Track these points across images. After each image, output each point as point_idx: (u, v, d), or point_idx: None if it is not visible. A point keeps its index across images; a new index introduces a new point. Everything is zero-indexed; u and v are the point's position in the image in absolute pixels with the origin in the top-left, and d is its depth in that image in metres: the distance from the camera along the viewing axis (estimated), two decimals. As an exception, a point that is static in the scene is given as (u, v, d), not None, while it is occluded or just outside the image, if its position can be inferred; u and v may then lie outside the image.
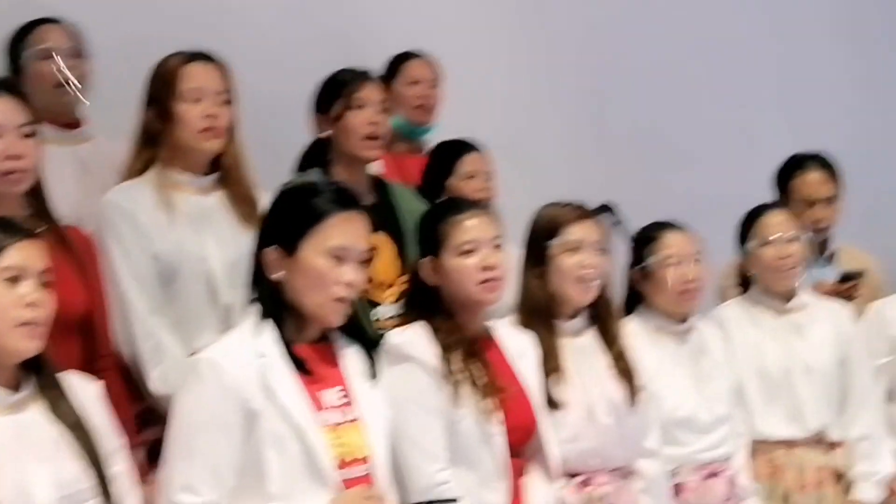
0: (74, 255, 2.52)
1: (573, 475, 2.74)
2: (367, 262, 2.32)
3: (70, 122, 3.25)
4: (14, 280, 2.01)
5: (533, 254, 2.85)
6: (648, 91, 5.07)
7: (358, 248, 2.28)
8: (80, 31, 3.28)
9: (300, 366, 2.23)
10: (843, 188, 3.89)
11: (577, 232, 2.83)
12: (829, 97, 5.94)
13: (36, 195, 2.50)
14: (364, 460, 2.26)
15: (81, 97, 3.21)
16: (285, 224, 2.28)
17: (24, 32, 3.23)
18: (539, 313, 2.81)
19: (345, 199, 2.32)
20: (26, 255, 2.03)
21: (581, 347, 2.85)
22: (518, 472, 2.56)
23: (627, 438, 2.84)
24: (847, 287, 3.65)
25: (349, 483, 2.22)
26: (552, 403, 2.71)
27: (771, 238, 3.33)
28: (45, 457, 2.00)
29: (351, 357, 2.36)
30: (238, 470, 2.14)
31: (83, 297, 2.52)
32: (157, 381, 2.69)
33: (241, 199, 2.81)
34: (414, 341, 2.51)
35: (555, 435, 2.65)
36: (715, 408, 3.11)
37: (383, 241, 3.08)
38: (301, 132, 3.32)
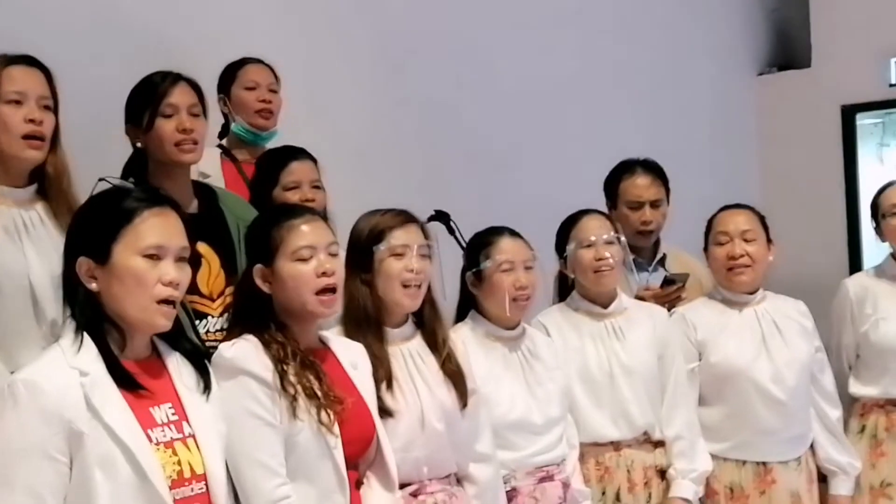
0: None
1: (404, 485, 2.71)
2: (185, 260, 2.24)
3: None
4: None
5: (358, 261, 2.80)
6: (476, 98, 5.10)
7: (174, 245, 2.21)
8: None
9: (127, 382, 2.14)
10: (669, 192, 3.98)
11: (402, 237, 2.80)
12: (651, 104, 6.11)
13: None
14: (200, 477, 2.18)
15: None
16: (94, 231, 2.19)
17: None
18: (367, 321, 2.77)
19: (154, 196, 2.24)
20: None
21: (410, 353, 2.83)
22: (356, 485, 2.50)
23: (459, 444, 2.83)
24: (670, 291, 3.72)
25: (186, 501, 2.15)
26: (384, 412, 2.67)
27: (588, 241, 3.37)
28: None
29: (181, 371, 2.28)
30: (63, 496, 2.05)
31: None
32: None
33: (63, 211, 2.66)
34: (246, 355, 2.42)
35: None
36: (547, 410, 3.13)
37: (209, 252, 2.98)
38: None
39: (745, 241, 3.52)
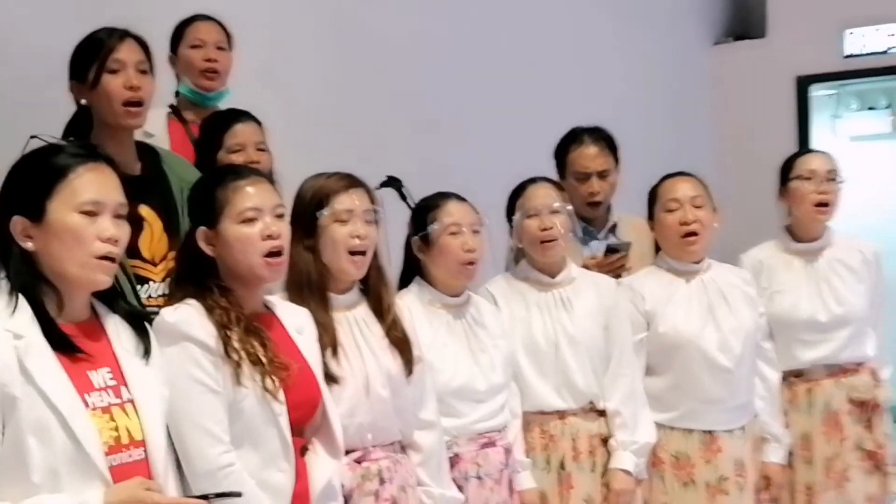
0: None
1: (348, 451, 2.69)
2: (123, 217, 2.19)
3: None
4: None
5: (302, 226, 2.75)
6: (423, 67, 5.06)
7: (112, 201, 2.16)
8: None
9: (63, 345, 2.09)
10: (618, 161, 3.95)
11: (346, 202, 2.76)
12: (605, 72, 6.09)
13: None
14: (139, 444, 2.14)
15: None
16: (27, 189, 2.13)
17: None
18: (310, 287, 2.73)
19: (88, 152, 2.19)
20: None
21: (356, 320, 2.79)
22: (301, 451, 2.47)
23: (404, 410, 2.81)
24: (613, 260, 3.70)
25: (125, 467, 2.11)
26: (330, 378, 2.64)
27: (534, 210, 3.35)
28: None
29: (120, 335, 2.23)
30: None
31: None
32: None
33: None
34: (189, 320, 2.38)
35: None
36: (490, 377, 3.12)
37: (151, 215, 2.92)
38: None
39: (695, 206, 3.51)
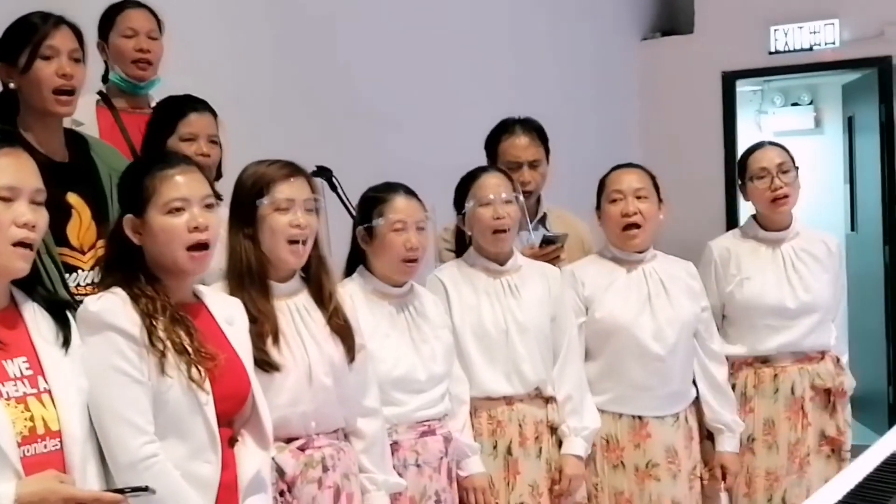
0: None
1: (291, 439, 2.68)
2: (42, 203, 2.15)
3: None
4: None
5: (241, 214, 2.72)
6: (358, 58, 5.04)
7: (28, 186, 2.12)
8: None
9: (-26, 334, 2.03)
10: (549, 153, 3.98)
11: (287, 190, 2.73)
12: (534, 66, 6.13)
13: None
14: (55, 434, 2.10)
15: None
16: None
17: None
18: (251, 276, 2.70)
19: (3, 136, 2.15)
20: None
21: (297, 308, 2.77)
22: (229, 443, 2.44)
23: (347, 398, 2.79)
24: (549, 251, 3.73)
25: (39, 458, 2.06)
26: (271, 366, 2.62)
27: (487, 199, 3.37)
28: None
29: (39, 324, 2.18)
30: None
31: None
32: None
33: None
34: (112, 309, 2.32)
35: (271, 400, 2.56)
36: (431, 367, 3.12)
37: (79, 203, 2.87)
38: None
39: (638, 198, 3.56)
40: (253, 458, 2.46)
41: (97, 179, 2.94)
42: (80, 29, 2.93)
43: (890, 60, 6.91)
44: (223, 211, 2.68)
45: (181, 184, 2.40)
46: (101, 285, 2.45)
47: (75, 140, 3.00)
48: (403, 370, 3.07)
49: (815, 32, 7.05)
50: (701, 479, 3.63)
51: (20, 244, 2.09)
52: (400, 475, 2.97)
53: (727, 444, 3.67)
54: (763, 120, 8.68)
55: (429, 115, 5.29)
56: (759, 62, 7.27)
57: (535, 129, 3.96)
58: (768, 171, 3.84)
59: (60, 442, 2.12)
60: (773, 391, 3.80)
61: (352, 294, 3.00)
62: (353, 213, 3.28)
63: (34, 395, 2.10)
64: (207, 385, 2.35)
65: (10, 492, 1.97)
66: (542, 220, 3.97)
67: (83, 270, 2.86)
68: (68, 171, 2.85)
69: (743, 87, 7.81)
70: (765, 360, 3.82)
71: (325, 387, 2.72)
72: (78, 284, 2.83)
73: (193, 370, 2.33)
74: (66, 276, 2.79)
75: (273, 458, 2.60)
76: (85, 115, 3.44)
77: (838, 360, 3.88)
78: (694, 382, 3.66)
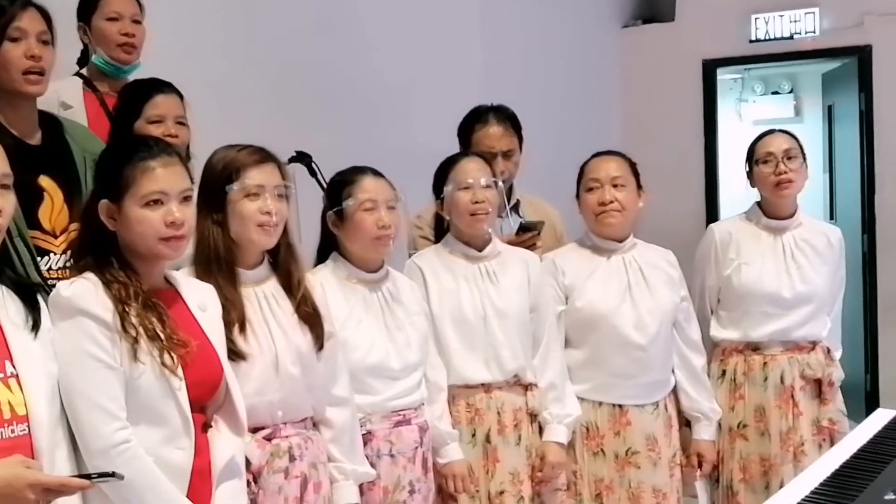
0: None
1: (258, 429, 2.65)
2: (8, 187, 2.13)
3: None
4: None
5: (210, 200, 2.68)
6: (341, 41, 5.01)
7: None
8: None
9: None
10: (522, 141, 3.96)
11: (257, 176, 2.69)
12: (515, 53, 6.10)
13: None
14: (22, 419, 2.08)
15: None
16: None
17: None
18: (219, 262, 2.67)
19: None
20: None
21: (265, 296, 2.74)
22: (203, 429, 2.42)
23: (315, 387, 2.77)
24: (525, 238, 3.72)
25: (6, 443, 2.05)
26: (237, 355, 2.59)
27: (465, 183, 3.36)
28: None
29: (7, 307, 2.16)
30: None
31: None
32: None
33: None
34: (84, 294, 2.30)
35: (240, 389, 2.52)
36: (406, 355, 3.10)
37: (52, 186, 2.84)
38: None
39: (615, 187, 3.54)
40: (227, 444, 2.45)
41: (71, 162, 2.91)
42: (49, 11, 2.90)
43: (870, 49, 6.92)
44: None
45: (160, 177, 2.36)
46: (74, 269, 2.42)
47: (50, 122, 2.97)
48: (377, 358, 3.04)
49: (795, 21, 7.06)
50: (681, 465, 3.63)
51: None
52: (373, 465, 2.95)
53: (704, 433, 3.67)
54: (743, 108, 8.69)
55: (408, 101, 5.26)
56: (739, 50, 7.27)
57: (508, 118, 3.94)
58: (774, 156, 3.86)
59: (28, 427, 2.10)
60: (763, 379, 3.80)
61: (324, 281, 2.97)
62: (325, 198, 3.25)
63: (1, 379, 2.07)
64: (180, 371, 2.33)
65: None
66: (516, 208, 3.96)
67: (55, 254, 2.83)
68: (41, 154, 2.82)
69: (723, 76, 7.82)
70: (755, 348, 3.83)
71: (291, 376, 2.69)
72: (50, 268, 2.81)
73: (166, 356, 2.31)
74: (39, 259, 2.77)
75: (239, 448, 2.58)
76: (73, 98, 3.42)
77: (829, 351, 3.88)
78: (673, 371, 3.66)
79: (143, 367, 2.29)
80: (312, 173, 3.74)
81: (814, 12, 6.99)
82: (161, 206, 2.35)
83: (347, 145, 4.40)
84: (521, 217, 3.90)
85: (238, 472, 2.49)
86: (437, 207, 3.48)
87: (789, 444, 3.77)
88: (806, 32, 7.05)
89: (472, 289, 3.35)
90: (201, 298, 2.51)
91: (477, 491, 3.28)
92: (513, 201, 3.96)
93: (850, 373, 7.28)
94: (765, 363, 3.81)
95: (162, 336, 2.33)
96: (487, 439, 3.30)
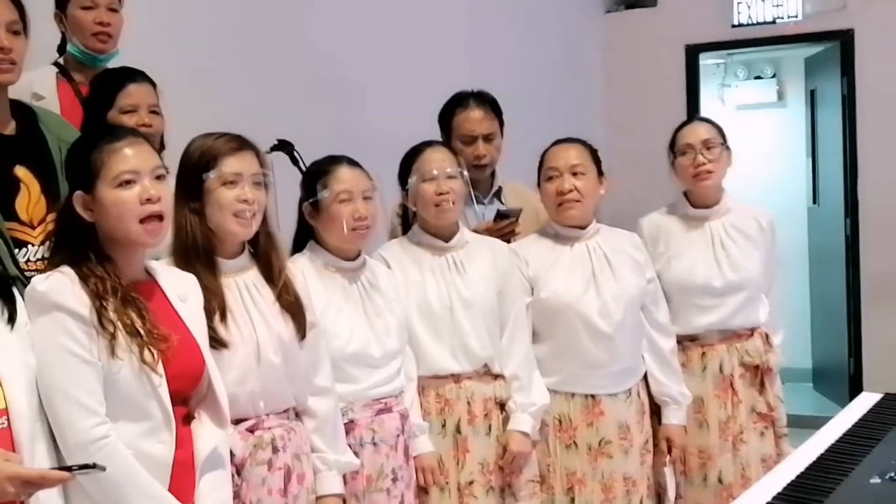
0: None
1: (240, 420, 2.63)
2: None
3: None
4: None
5: (187, 188, 2.65)
6: (315, 28, 4.98)
7: None
8: None
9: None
10: (503, 125, 3.94)
11: (235, 164, 2.67)
12: (497, 38, 6.07)
13: None
14: (2, 412, 2.06)
15: None
16: None
17: None
18: (197, 251, 2.64)
19: None
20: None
21: (245, 285, 2.71)
22: (185, 421, 2.40)
23: (297, 377, 2.75)
24: (503, 226, 3.70)
25: None
26: (219, 343, 2.57)
27: (430, 174, 3.32)
28: None
29: None
30: None
31: None
32: None
33: None
34: (60, 288, 2.27)
35: (222, 377, 2.50)
36: (385, 343, 3.08)
37: (28, 176, 2.81)
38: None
39: (574, 174, 3.51)
40: (210, 436, 2.42)
41: (46, 152, 2.88)
42: (20, 0, 2.85)
43: (852, 33, 6.92)
44: (172, 183, 2.62)
45: (130, 156, 2.34)
46: (50, 263, 2.39)
47: (23, 112, 2.94)
48: (358, 346, 3.03)
49: (778, 5, 7.05)
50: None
51: None
52: (356, 454, 2.93)
53: (673, 417, 3.63)
54: (726, 93, 8.67)
55: (390, 88, 5.23)
56: (722, 35, 7.26)
57: (488, 102, 3.93)
58: (692, 147, 3.80)
59: (7, 419, 2.08)
60: (702, 369, 3.76)
61: (303, 269, 2.95)
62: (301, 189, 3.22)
63: None
64: (160, 368, 2.31)
65: None
66: (497, 194, 3.94)
67: (33, 245, 2.81)
68: (16, 144, 2.80)
69: (706, 61, 7.80)
70: (693, 339, 3.78)
71: (273, 365, 2.67)
72: (28, 260, 2.79)
73: (146, 353, 2.29)
74: (16, 251, 2.73)
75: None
76: (46, 89, 3.38)
77: (767, 336, 3.84)
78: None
79: (120, 362, 2.27)
80: (294, 162, 3.71)
81: (796, -4, 6.98)
82: (134, 185, 2.33)
83: (331, 133, 4.37)
84: (502, 203, 3.89)
85: (221, 463, 2.47)
86: (402, 198, 3.45)
87: (728, 433, 3.73)
88: (788, 17, 7.04)
89: (438, 280, 3.32)
90: (182, 289, 2.48)
91: (447, 483, 3.25)
92: (495, 187, 3.94)
93: (833, 357, 7.37)
94: (703, 353, 3.76)
95: (142, 332, 2.30)
96: (458, 429, 3.27)
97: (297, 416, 2.80)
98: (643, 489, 3.55)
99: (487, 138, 3.87)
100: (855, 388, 6.62)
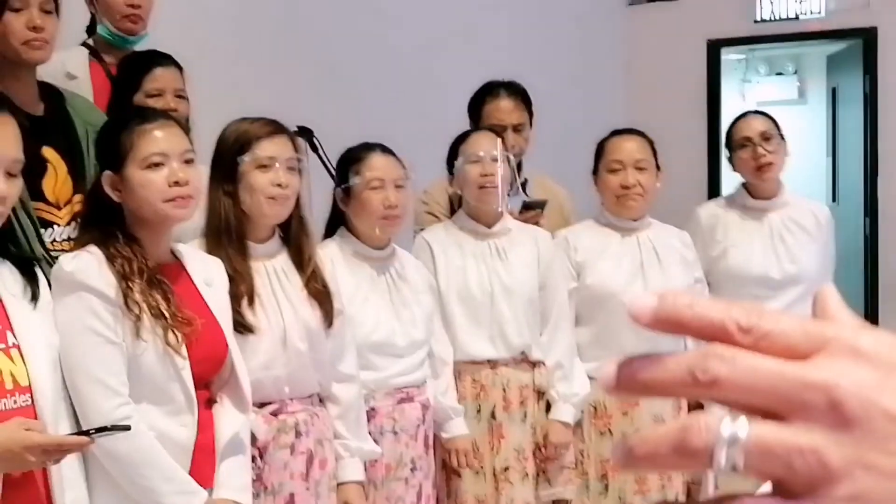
0: None
1: (265, 404, 2.64)
2: (15, 175, 2.10)
3: None
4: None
5: (222, 171, 2.67)
6: (340, 17, 4.98)
7: (6, 157, 2.07)
8: None
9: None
10: (532, 116, 3.94)
11: (269, 148, 2.67)
12: (520, 30, 6.06)
13: None
14: (25, 389, 2.07)
15: None
16: None
17: None
18: (229, 234, 2.65)
19: None
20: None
21: (274, 270, 2.72)
22: (207, 404, 2.41)
23: (322, 363, 2.75)
24: (528, 217, 3.69)
25: (8, 413, 2.03)
26: (245, 328, 2.58)
27: (475, 156, 3.34)
28: None
29: (5, 279, 2.14)
30: None
31: None
32: None
33: None
34: (87, 269, 2.27)
35: (247, 363, 2.51)
36: (411, 333, 3.09)
37: (55, 157, 2.81)
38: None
39: (638, 169, 3.52)
40: (231, 421, 2.43)
41: (73, 133, 2.88)
42: None
43: (875, 31, 6.88)
44: (202, 167, 2.63)
45: (160, 138, 2.36)
46: (78, 242, 2.41)
47: (50, 93, 2.94)
48: (383, 335, 3.03)
49: (801, 2, 7.01)
50: None
51: None
52: (376, 442, 2.94)
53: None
54: (747, 89, 8.65)
55: (412, 77, 5.23)
56: (744, 31, 7.23)
57: (519, 93, 3.91)
58: (751, 140, 3.81)
59: (31, 397, 2.09)
60: None
61: (332, 256, 2.96)
62: (334, 174, 3.23)
63: (2, 350, 2.06)
64: (184, 350, 2.32)
65: None
66: (524, 186, 3.93)
67: (59, 226, 2.81)
68: (43, 125, 2.80)
69: (728, 56, 7.77)
70: None
71: (299, 351, 2.68)
72: (54, 240, 2.78)
73: (170, 335, 2.30)
74: (42, 231, 2.74)
75: (245, 423, 2.57)
76: (79, 69, 3.38)
77: None
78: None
79: (145, 344, 2.28)
80: (314, 148, 3.70)
81: (820, -7, 6.95)
82: (163, 168, 2.34)
83: (354, 121, 4.37)
84: (527, 195, 3.88)
85: (242, 448, 2.48)
86: (448, 182, 3.45)
87: None
88: (811, 13, 7.01)
89: (480, 265, 3.33)
90: (207, 273, 2.49)
91: (481, 467, 3.27)
92: (521, 179, 3.94)
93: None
94: None
95: (166, 314, 2.31)
96: (493, 416, 3.29)
97: (321, 401, 2.81)
98: (678, 485, 3.54)
99: (517, 129, 3.86)
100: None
